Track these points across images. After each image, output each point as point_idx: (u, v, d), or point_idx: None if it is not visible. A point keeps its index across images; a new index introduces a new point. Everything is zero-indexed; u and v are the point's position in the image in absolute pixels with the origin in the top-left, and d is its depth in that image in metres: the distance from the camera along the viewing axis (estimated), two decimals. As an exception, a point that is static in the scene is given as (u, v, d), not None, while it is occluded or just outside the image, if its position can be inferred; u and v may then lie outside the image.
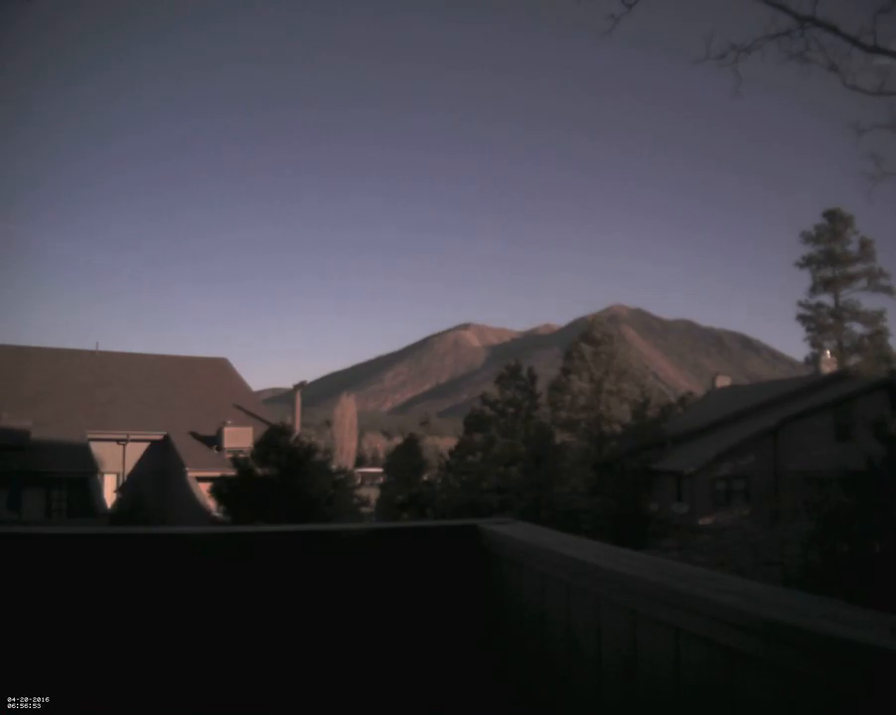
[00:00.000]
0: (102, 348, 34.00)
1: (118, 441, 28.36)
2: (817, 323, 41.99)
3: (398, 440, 52.72)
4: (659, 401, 36.60)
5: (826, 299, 42.23)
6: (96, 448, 26.73)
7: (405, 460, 42.07)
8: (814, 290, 42.31)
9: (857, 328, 41.58)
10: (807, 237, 42.38)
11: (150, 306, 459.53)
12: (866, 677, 1.00)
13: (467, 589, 2.17)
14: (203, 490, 24.35)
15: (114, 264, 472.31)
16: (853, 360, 39.41)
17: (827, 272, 41.93)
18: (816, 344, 41.04)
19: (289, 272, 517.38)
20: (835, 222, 41.60)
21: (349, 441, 79.85)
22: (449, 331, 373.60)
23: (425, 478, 40.72)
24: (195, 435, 28.29)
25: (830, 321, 41.80)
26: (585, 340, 32.46)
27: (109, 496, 26.96)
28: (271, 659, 1.99)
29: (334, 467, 20.02)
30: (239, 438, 26.22)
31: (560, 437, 31.00)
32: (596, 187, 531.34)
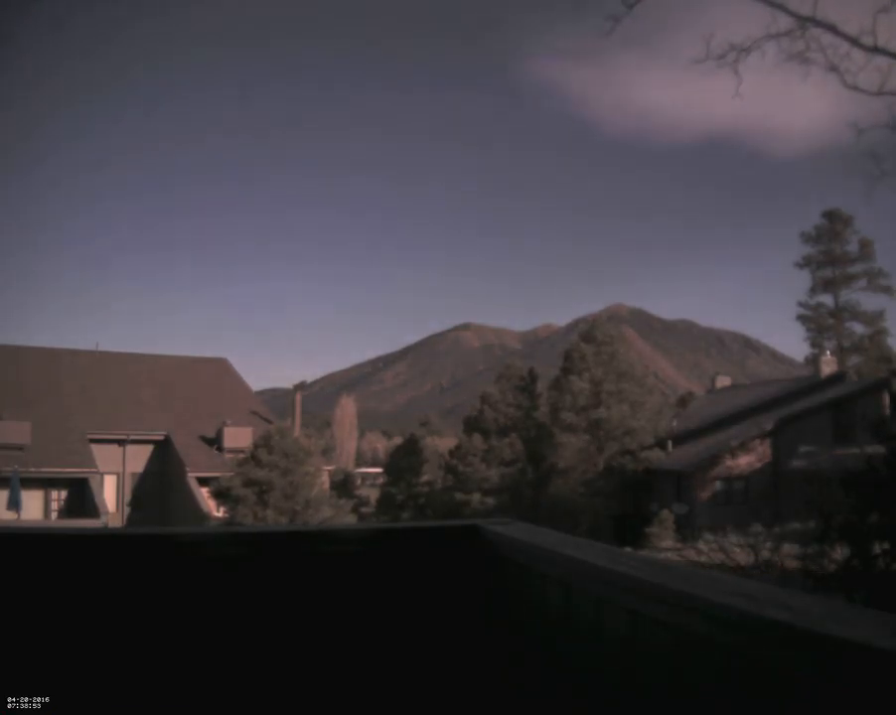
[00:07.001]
0: (102, 348, 34.09)
1: (118, 441, 28.35)
2: (816, 323, 42.04)
3: (398, 440, 52.68)
4: (659, 401, 36.59)
5: (826, 299, 42.34)
6: (96, 448, 26.72)
7: (405, 460, 42.06)
8: (813, 290, 42.38)
9: (857, 328, 41.70)
10: (806, 238, 42.43)
11: (150, 306, 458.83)
12: (866, 678, 1.00)
13: (467, 589, 2.17)
14: (203, 491, 24.37)
15: (114, 264, 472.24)
16: (853, 360, 39.45)
17: (827, 272, 41.98)
18: (816, 344, 41.10)
19: (289, 272, 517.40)
20: (835, 223, 41.62)
21: (349, 441, 79.90)
22: (449, 331, 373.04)
23: (425, 478, 40.71)
24: (195, 436, 28.28)
25: (830, 321, 41.86)
26: (586, 340, 32.48)
27: (109, 496, 26.95)
28: (271, 660, 1.99)
29: (332, 467, 20.06)
30: (239, 438, 26.19)
31: (560, 437, 31.01)
32: (596, 187, 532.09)
